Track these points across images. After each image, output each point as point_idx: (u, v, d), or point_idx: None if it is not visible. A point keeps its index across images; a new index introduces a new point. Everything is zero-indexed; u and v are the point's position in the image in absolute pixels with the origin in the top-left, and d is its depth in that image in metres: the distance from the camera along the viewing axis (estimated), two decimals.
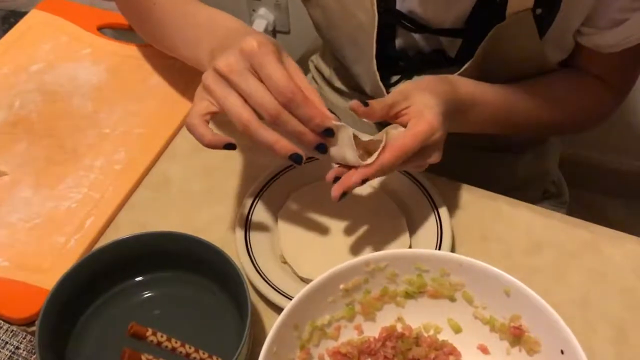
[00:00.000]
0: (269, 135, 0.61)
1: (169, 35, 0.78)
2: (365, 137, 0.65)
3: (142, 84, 0.89)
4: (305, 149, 0.63)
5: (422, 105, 0.66)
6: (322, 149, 0.63)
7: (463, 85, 0.74)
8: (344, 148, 0.63)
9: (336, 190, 0.63)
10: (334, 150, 0.64)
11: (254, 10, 1.71)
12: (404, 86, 0.69)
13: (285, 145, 0.61)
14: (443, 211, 0.73)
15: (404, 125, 0.66)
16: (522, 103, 0.80)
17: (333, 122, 0.62)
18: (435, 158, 0.68)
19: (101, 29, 0.96)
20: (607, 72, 0.83)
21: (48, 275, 0.70)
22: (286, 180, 0.76)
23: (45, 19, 0.97)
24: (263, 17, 1.70)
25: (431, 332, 0.63)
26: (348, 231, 0.73)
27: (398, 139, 0.64)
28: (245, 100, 0.61)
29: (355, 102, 0.64)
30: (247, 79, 0.60)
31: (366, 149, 0.65)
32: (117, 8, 0.90)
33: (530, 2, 0.72)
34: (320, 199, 0.74)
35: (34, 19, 0.97)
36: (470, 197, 0.78)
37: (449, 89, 0.71)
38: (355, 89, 0.96)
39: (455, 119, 0.71)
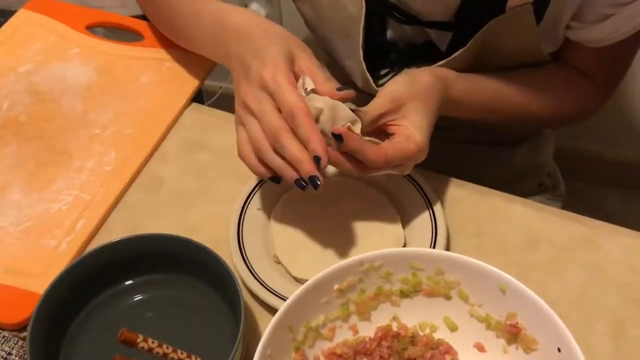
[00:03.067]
0: (277, 160, 0.63)
1: (184, 36, 0.81)
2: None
3: (132, 83, 0.88)
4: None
5: (413, 127, 0.66)
6: (315, 181, 0.62)
7: (455, 85, 0.74)
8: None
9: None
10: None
11: (245, 6, 1.70)
12: (396, 90, 0.68)
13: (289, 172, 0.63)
14: (437, 208, 0.72)
15: (390, 134, 0.67)
16: (511, 98, 0.80)
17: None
18: (408, 172, 0.69)
19: (90, 28, 0.95)
20: (593, 68, 0.83)
21: (39, 280, 0.69)
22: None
23: (33, 18, 0.96)
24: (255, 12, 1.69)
25: (427, 331, 0.63)
26: (342, 230, 0.72)
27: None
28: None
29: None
30: (262, 106, 0.63)
31: None
32: (105, 6, 0.90)
33: None
34: (314, 198, 0.74)
35: (22, 18, 0.96)
36: (465, 192, 0.78)
37: (441, 94, 0.71)
38: (347, 84, 0.95)
39: (442, 116, 0.71)
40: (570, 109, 0.85)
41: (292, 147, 0.61)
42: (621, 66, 0.85)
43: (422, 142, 0.65)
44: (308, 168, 0.61)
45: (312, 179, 0.61)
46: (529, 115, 0.84)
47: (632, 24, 0.73)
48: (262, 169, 0.65)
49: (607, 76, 0.85)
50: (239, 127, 0.66)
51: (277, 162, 0.63)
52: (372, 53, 0.82)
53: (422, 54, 0.85)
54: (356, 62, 0.85)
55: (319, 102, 0.63)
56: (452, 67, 0.77)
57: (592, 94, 0.85)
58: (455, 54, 0.78)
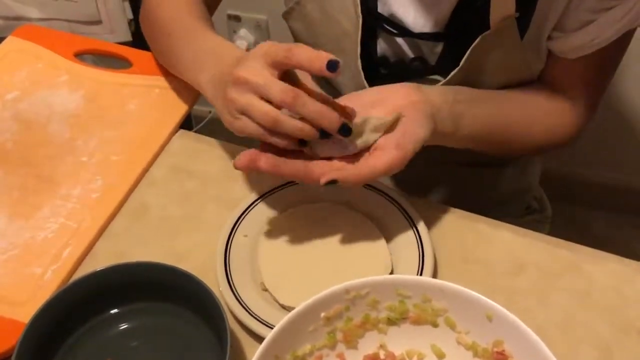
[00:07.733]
0: (297, 122, 0.64)
1: (177, 60, 0.82)
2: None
3: (119, 110, 0.88)
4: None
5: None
6: (345, 130, 0.65)
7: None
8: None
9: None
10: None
11: (234, 32, 1.71)
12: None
13: (311, 128, 0.64)
14: (424, 234, 0.72)
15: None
16: (507, 130, 0.81)
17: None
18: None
19: (78, 55, 0.95)
20: (572, 83, 0.83)
21: (25, 308, 0.68)
22: (266, 206, 0.76)
23: (22, 46, 0.96)
24: (243, 38, 1.70)
25: (414, 359, 0.63)
26: (329, 257, 0.72)
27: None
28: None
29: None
30: (264, 75, 0.64)
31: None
32: (93, 34, 0.90)
33: (513, 8, 0.72)
34: (300, 225, 0.74)
35: (10, 45, 0.96)
36: (451, 218, 0.78)
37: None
38: (337, 99, 0.96)
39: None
40: (562, 133, 0.86)
41: (312, 104, 0.63)
42: (600, 82, 0.85)
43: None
44: (337, 117, 0.64)
45: (343, 127, 0.65)
46: (522, 145, 0.85)
47: (612, 30, 0.74)
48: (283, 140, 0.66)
49: (585, 92, 0.84)
50: (237, 120, 0.66)
51: (299, 123, 0.64)
52: (362, 68, 0.82)
53: (412, 69, 0.86)
54: (351, 76, 0.85)
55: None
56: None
57: (572, 117, 0.85)
58: (450, 75, 0.79)
